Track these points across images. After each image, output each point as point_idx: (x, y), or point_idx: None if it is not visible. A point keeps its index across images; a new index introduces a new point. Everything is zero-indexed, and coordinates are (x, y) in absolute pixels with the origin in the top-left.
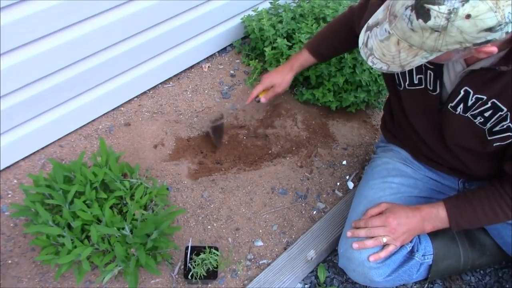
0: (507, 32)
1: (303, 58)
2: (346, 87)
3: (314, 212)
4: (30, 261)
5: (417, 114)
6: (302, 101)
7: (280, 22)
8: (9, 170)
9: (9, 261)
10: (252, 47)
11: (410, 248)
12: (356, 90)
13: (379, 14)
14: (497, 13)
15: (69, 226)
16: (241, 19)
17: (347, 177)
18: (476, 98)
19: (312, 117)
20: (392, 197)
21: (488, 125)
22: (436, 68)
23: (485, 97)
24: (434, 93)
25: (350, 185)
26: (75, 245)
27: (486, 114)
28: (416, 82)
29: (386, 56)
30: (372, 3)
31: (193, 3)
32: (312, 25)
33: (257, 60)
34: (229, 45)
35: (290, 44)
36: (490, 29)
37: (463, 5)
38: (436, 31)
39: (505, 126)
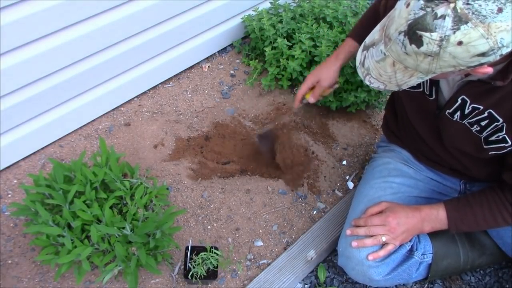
0: (501, 55)
1: (348, 46)
2: (346, 87)
3: (314, 212)
4: (30, 261)
5: (416, 115)
6: None
7: (280, 22)
8: (9, 170)
9: (9, 261)
10: (252, 47)
11: (410, 247)
12: (356, 90)
13: (375, 33)
14: (489, 39)
15: (69, 226)
16: (241, 18)
17: (347, 177)
18: (473, 107)
19: (312, 117)
20: (393, 196)
21: (484, 133)
22: None
23: (481, 107)
24: (431, 98)
25: (350, 185)
26: (75, 245)
27: (483, 123)
28: (415, 85)
29: (382, 76)
30: None
31: (193, 3)
32: (312, 25)
33: (257, 60)
34: (229, 45)
35: (290, 44)
36: (483, 54)
37: (454, 32)
38: (429, 55)
39: (500, 137)
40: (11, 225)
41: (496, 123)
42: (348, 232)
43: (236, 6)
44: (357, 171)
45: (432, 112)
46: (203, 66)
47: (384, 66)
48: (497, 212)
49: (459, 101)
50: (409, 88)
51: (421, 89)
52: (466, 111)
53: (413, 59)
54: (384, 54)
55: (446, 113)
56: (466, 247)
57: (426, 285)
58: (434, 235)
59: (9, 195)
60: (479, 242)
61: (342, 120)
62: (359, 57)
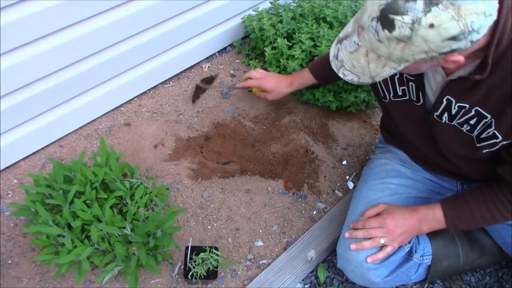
0: (472, 41)
1: (304, 78)
2: (346, 87)
3: (314, 212)
4: (30, 261)
5: (406, 124)
6: (302, 101)
7: (280, 22)
8: (9, 170)
9: (9, 261)
10: (252, 47)
11: (409, 249)
12: (356, 90)
13: (348, 27)
14: (460, 22)
15: (69, 226)
16: (241, 18)
17: (347, 177)
18: (459, 106)
19: (312, 117)
20: (391, 197)
21: (476, 132)
22: (417, 79)
23: (467, 105)
24: (418, 104)
25: (350, 185)
26: (75, 245)
27: (472, 122)
28: (400, 93)
29: (356, 68)
30: None
31: (193, 3)
32: (312, 25)
33: (257, 60)
34: (229, 45)
35: (290, 44)
36: (454, 38)
37: (425, 14)
38: (401, 41)
39: (490, 133)
40: (11, 225)
41: (485, 120)
42: (347, 235)
43: (236, 6)
44: (357, 171)
45: (421, 117)
46: (203, 66)
47: (357, 56)
48: (494, 208)
49: (445, 101)
50: (395, 98)
51: (407, 97)
52: (453, 111)
53: (386, 46)
54: (358, 44)
55: (435, 116)
56: (466, 248)
57: (426, 286)
58: (433, 236)
59: (9, 195)
60: (479, 243)
61: (342, 120)
62: (332, 50)
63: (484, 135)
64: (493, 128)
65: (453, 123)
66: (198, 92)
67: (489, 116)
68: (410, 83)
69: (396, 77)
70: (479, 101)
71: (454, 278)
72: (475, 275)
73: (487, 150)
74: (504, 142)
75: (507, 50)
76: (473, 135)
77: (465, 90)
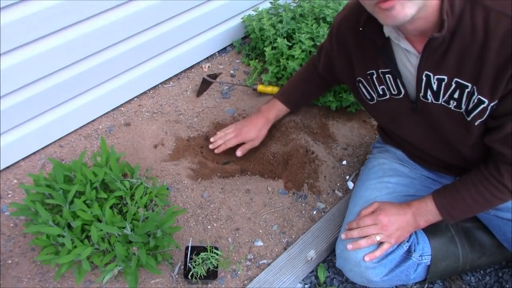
0: None
1: (277, 109)
2: (346, 87)
3: (314, 212)
4: (30, 261)
5: (397, 123)
6: None
7: (280, 22)
8: (9, 170)
9: (9, 261)
10: (252, 47)
11: (407, 247)
12: None
13: None
14: None
15: (69, 226)
16: (241, 18)
17: (347, 177)
18: (438, 79)
19: (312, 117)
20: (388, 196)
21: (463, 106)
22: (392, 69)
23: (445, 77)
24: (401, 96)
25: (350, 185)
26: (75, 245)
27: (455, 96)
28: (381, 93)
29: None
30: (325, 47)
31: (193, 3)
32: (312, 25)
33: (257, 60)
34: (229, 45)
35: (290, 44)
36: None
37: None
38: None
39: (476, 100)
40: (11, 225)
41: (467, 90)
42: (343, 236)
43: (236, 6)
44: (357, 171)
45: (410, 110)
46: (203, 66)
47: None
48: (484, 189)
49: (424, 78)
50: (380, 97)
51: (388, 96)
52: (435, 87)
53: None
54: None
55: (421, 97)
56: (465, 248)
57: (426, 286)
58: (432, 236)
59: (9, 195)
60: (479, 243)
61: (342, 120)
62: None
63: (471, 105)
64: (476, 94)
65: (439, 102)
66: (204, 85)
67: (469, 85)
68: (387, 76)
69: (374, 77)
70: (454, 70)
71: (454, 278)
72: (475, 275)
73: (478, 122)
74: (491, 104)
75: (463, 13)
76: (461, 110)
77: (438, 60)
